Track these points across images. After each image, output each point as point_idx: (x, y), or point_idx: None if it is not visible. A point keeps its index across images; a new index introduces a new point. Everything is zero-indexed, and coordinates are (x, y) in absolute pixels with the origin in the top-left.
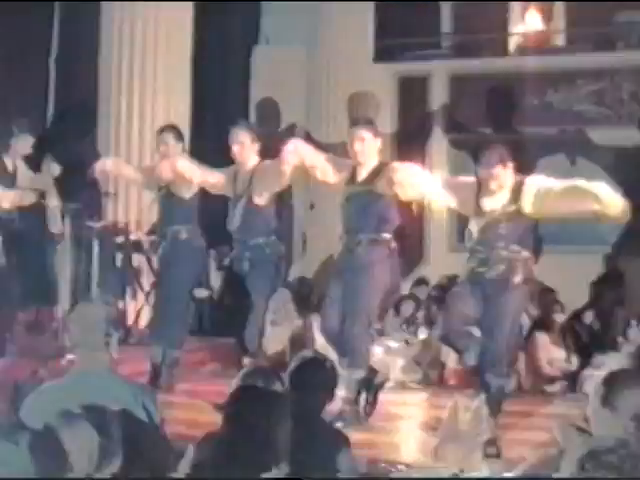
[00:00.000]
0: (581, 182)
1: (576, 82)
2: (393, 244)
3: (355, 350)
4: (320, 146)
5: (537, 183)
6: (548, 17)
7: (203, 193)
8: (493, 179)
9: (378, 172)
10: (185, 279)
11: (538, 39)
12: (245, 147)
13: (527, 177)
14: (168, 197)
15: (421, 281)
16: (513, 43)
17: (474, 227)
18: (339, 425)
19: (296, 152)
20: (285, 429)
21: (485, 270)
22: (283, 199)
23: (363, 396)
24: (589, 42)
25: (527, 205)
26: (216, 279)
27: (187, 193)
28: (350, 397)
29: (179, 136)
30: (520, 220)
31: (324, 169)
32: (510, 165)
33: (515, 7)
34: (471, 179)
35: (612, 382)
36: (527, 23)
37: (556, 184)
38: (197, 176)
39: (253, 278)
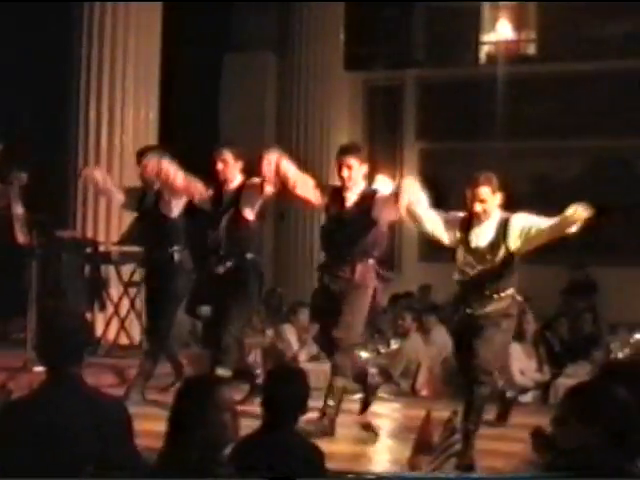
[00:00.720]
0: (561, 217)
1: (547, 91)
2: (377, 266)
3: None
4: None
5: (522, 222)
6: (519, 26)
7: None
8: (478, 200)
9: (366, 197)
10: (178, 297)
11: (509, 48)
12: (229, 165)
13: (512, 215)
14: (155, 217)
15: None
16: (484, 52)
17: (461, 262)
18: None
19: (274, 163)
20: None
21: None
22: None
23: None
24: (560, 51)
25: (513, 244)
26: None
27: (171, 211)
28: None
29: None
30: (505, 259)
31: (304, 183)
32: (498, 195)
33: (486, 16)
34: (461, 214)
35: (577, 393)
36: (498, 32)
37: (539, 222)
38: (180, 178)
39: (236, 291)
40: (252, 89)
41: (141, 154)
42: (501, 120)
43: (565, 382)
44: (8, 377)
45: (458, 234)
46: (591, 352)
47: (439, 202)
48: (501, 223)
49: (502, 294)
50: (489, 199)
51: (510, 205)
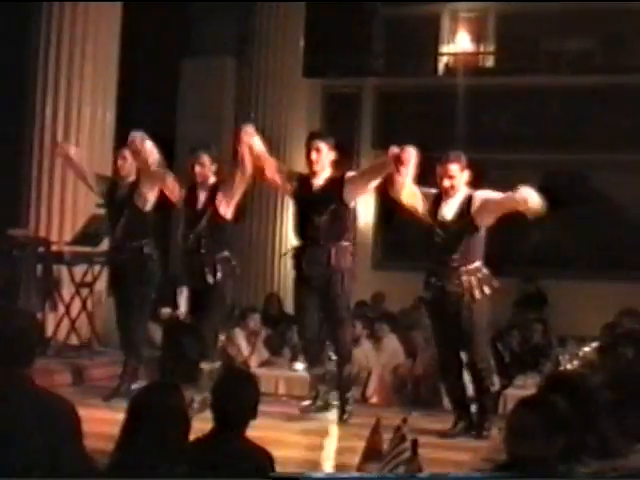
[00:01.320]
0: (511, 193)
1: (503, 104)
2: (350, 249)
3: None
4: None
5: (484, 196)
6: (478, 38)
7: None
8: (447, 176)
9: (334, 181)
10: (146, 293)
11: (467, 60)
12: (206, 167)
13: (475, 191)
14: (128, 209)
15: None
16: (442, 63)
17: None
18: None
19: (251, 134)
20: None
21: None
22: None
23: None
24: (518, 64)
25: (476, 216)
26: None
27: (145, 204)
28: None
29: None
30: (472, 232)
31: (270, 163)
32: (466, 172)
33: (446, 27)
34: (433, 190)
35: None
36: (457, 44)
37: (497, 197)
38: (158, 162)
39: (218, 290)
40: (210, 94)
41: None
42: (458, 131)
43: (514, 393)
44: None
45: (428, 207)
46: (540, 363)
47: (395, 210)
48: (466, 198)
49: (469, 266)
50: (457, 175)
51: None
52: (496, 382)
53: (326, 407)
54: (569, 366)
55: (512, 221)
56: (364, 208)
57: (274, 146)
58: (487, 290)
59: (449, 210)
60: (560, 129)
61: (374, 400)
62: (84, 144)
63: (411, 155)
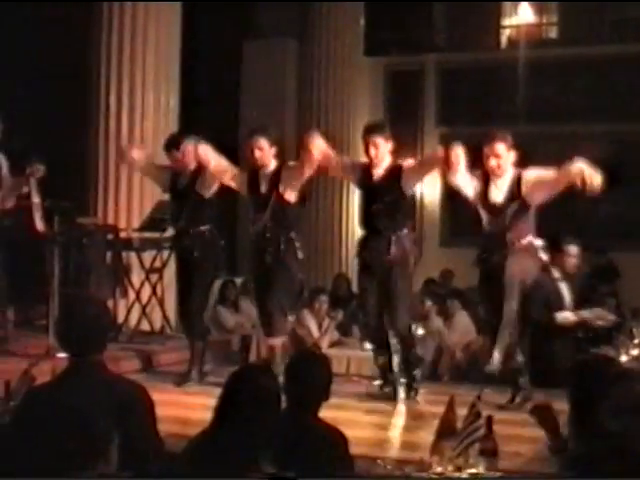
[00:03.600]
0: (566, 168)
1: (568, 75)
2: (411, 238)
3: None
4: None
5: (533, 175)
6: (541, 10)
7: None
8: (494, 155)
9: (393, 170)
10: (209, 275)
11: (531, 32)
12: (265, 151)
13: (524, 170)
14: (190, 197)
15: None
16: (505, 36)
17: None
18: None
19: (319, 148)
20: (274, 425)
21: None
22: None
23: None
24: (582, 34)
25: (526, 196)
26: None
27: (207, 191)
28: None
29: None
30: (523, 213)
31: (333, 161)
32: (512, 153)
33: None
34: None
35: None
36: (520, 16)
37: (548, 174)
38: (213, 162)
39: (282, 271)
40: (273, 76)
41: (170, 142)
42: (522, 104)
43: None
44: (31, 364)
45: (478, 188)
46: (613, 337)
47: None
48: (514, 178)
49: (522, 241)
50: (504, 155)
51: None
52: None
53: (394, 392)
54: None
55: (580, 193)
56: (431, 188)
57: (337, 127)
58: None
59: (499, 193)
60: (626, 99)
61: (446, 378)
62: (149, 130)
63: (459, 157)
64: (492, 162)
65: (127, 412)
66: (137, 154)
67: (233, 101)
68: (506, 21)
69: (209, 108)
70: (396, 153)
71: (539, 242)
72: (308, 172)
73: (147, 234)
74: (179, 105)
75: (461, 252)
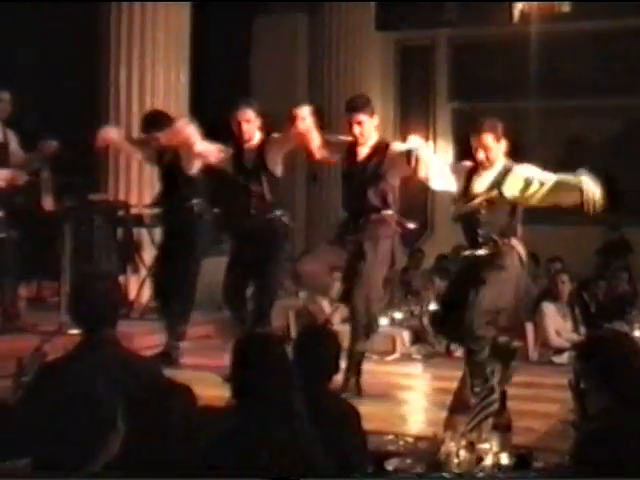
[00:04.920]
0: (566, 176)
1: (582, 49)
2: (393, 218)
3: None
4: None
5: (524, 173)
6: None
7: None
8: (481, 147)
9: (378, 150)
10: (200, 251)
11: (543, 5)
12: (252, 123)
13: (516, 165)
14: (175, 173)
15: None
16: (518, 10)
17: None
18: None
19: (308, 117)
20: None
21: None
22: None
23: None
24: (595, 8)
25: (507, 190)
26: None
27: (193, 167)
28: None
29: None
30: (506, 209)
31: (318, 144)
32: (503, 143)
33: None
34: (469, 163)
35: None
36: None
37: (543, 177)
38: (198, 145)
39: (269, 250)
40: (283, 51)
41: (146, 123)
42: (535, 79)
43: None
44: (43, 340)
45: (462, 182)
46: (627, 312)
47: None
48: (502, 170)
49: (499, 242)
50: (493, 146)
51: (545, 164)
52: (582, 332)
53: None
54: None
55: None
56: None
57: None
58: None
59: (481, 184)
60: None
61: (458, 354)
62: (159, 107)
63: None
64: (480, 155)
65: (139, 387)
66: (116, 134)
67: (244, 77)
68: None
69: (220, 85)
70: (403, 137)
71: (520, 248)
72: (291, 143)
73: (158, 210)
74: (189, 82)
75: None
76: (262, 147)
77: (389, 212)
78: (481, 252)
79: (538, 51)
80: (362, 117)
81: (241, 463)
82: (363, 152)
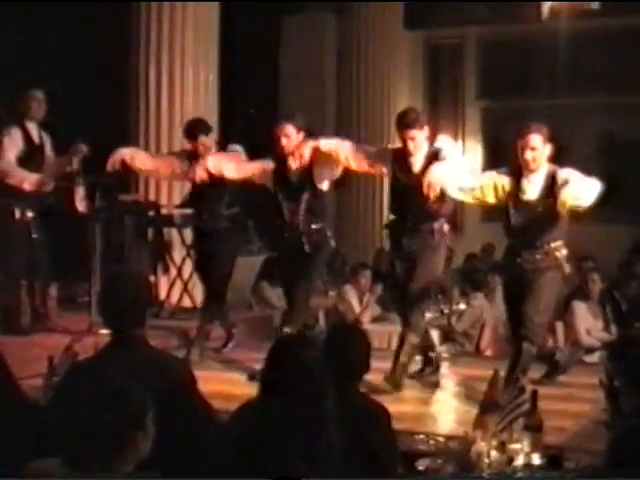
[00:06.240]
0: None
1: (611, 46)
2: (445, 229)
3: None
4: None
5: (569, 177)
6: None
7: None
8: (529, 148)
9: (431, 160)
10: (233, 257)
11: (572, 2)
12: (292, 139)
13: (560, 169)
14: (210, 180)
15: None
16: (547, 7)
17: (512, 213)
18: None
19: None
20: (324, 394)
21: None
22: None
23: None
24: (624, 5)
25: (560, 197)
26: None
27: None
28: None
29: (208, 129)
30: (553, 211)
31: (355, 160)
32: (548, 146)
33: None
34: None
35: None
36: None
37: (585, 182)
38: (228, 173)
39: (313, 260)
40: (312, 51)
41: (190, 129)
42: (565, 76)
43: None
44: (73, 340)
45: (507, 187)
46: None
47: (500, 161)
48: (549, 175)
49: (552, 245)
50: (540, 148)
51: (575, 162)
52: (613, 331)
53: (436, 369)
54: None
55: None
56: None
57: (377, 101)
58: (566, 270)
59: (532, 189)
60: None
61: (488, 352)
62: (189, 107)
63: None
64: (527, 155)
65: (168, 386)
66: (126, 155)
67: (272, 77)
68: None
69: (248, 84)
70: (432, 136)
71: (565, 251)
72: (339, 166)
73: (188, 210)
74: (218, 81)
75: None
76: (309, 163)
77: (442, 221)
78: (535, 257)
79: (567, 48)
80: (414, 133)
81: (258, 463)
82: (417, 162)
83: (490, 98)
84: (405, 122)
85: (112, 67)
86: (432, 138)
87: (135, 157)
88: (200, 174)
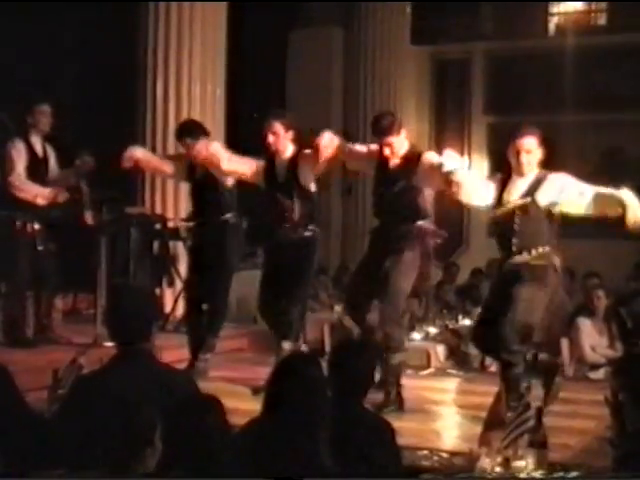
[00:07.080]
0: (606, 190)
1: (618, 62)
2: (425, 229)
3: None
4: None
5: (560, 180)
6: None
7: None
8: (524, 150)
9: (410, 160)
10: (231, 264)
11: (579, 19)
12: (280, 137)
13: (551, 173)
14: (207, 186)
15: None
16: (553, 23)
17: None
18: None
19: (331, 145)
20: (325, 414)
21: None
22: (322, 185)
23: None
24: (631, 21)
25: (542, 198)
26: None
27: (225, 181)
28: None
29: (197, 132)
30: (535, 213)
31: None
32: (540, 151)
33: None
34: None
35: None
36: (568, 3)
37: (581, 187)
38: (225, 163)
39: (300, 265)
40: (319, 64)
41: (182, 130)
42: (571, 92)
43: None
44: (79, 352)
45: (494, 192)
46: None
47: None
48: (537, 178)
49: (533, 251)
50: (534, 150)
51: (581, 178)
52: (618, 348)
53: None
54: None
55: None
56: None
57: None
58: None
59: (516, 192)
60: None
61: (493, 369)
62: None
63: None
64: (523, 158)
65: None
66: (139, 152)
67: (279, 90)
68: (554, 8)
69: (255, 97)
70: (438, 150)
71: (556, 259)
72: (322, 165)
73: (194, 223)
74: (225, 95)
75: None
76: (295, 162)
77: (421, 222)
78: (515, 261)
79: (574, 64)
80: (390, 139)
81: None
82: (394, 162)
83: (497, 113)
84: (379, 128)
85: (119, 79)
86: (438, 151)
87: (147, 154)
88: (199, 149)
